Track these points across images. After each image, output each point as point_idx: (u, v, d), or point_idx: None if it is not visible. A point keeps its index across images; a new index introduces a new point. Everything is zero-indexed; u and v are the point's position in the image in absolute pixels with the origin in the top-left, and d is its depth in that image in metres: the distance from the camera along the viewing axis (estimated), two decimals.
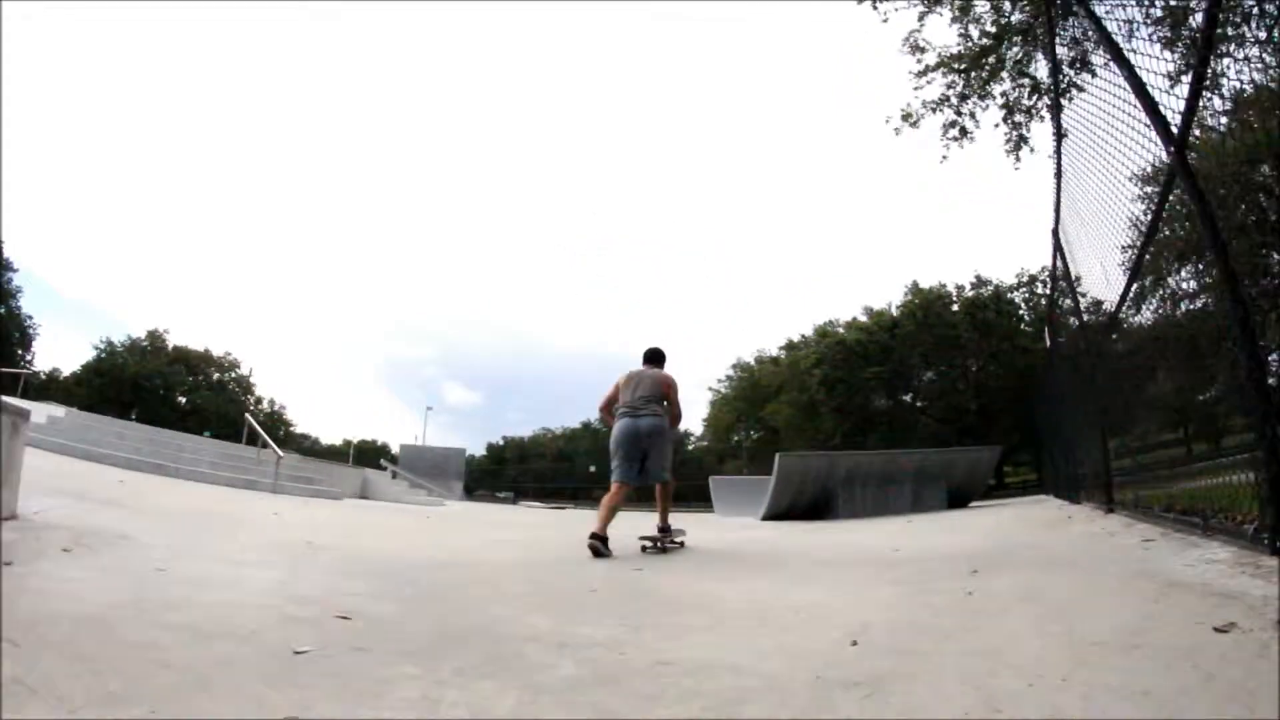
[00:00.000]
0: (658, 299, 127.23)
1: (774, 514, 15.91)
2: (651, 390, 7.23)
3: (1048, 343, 15.09)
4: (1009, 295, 42.15)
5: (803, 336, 52.79)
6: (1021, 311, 41.39)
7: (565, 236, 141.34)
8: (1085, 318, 8.81)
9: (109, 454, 11.87)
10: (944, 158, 15.03)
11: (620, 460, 7.09)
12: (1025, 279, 41.62)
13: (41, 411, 14.10)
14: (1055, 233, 10.52)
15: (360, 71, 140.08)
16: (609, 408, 7.41)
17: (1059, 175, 9.10)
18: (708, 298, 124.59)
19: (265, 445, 14.91)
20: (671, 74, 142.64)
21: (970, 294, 43.33)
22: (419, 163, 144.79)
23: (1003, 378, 39.21)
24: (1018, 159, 14.37)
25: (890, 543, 7.20)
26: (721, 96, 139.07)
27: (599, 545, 6.13)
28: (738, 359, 63.20)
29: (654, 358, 7.73)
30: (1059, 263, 10.83)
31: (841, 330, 47.30)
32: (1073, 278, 9.17)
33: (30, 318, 55.70)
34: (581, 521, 10.54)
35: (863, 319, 46.58)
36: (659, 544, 6.92)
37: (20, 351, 53.10)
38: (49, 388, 55.25)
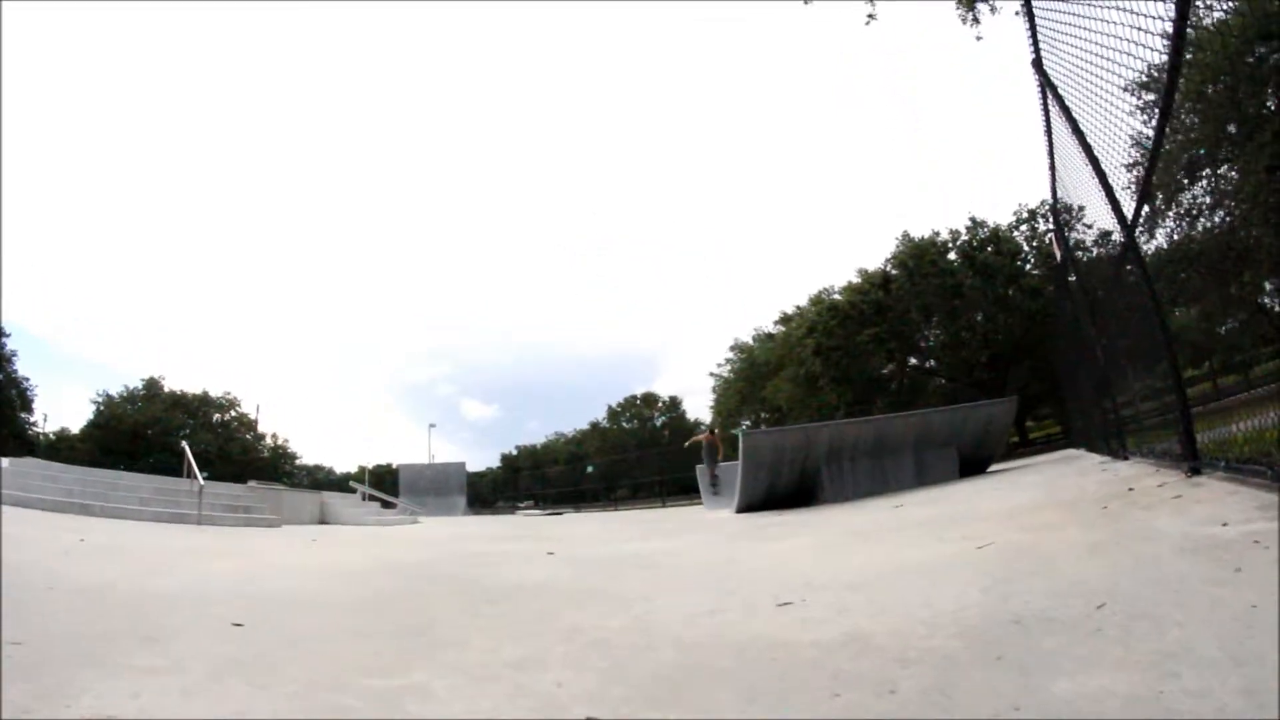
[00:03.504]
0: (657, 289, 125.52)
1: (749, 504, 13.88)
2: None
3: (1058, 265, 12.85)
4: (1009, 234, 39.09)
5: (797, 308, 49.93)
6: (1025, 251, 38.49)
7: (564, 238, 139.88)
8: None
9: (37, 498, 12.14)
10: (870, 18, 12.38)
11: None
12: (1024, 215, 38.58)
13: None
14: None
15: (355, 85, 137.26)
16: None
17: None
18: (706, 281, 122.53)
19: (193, 475, 14.88)
20: (649, 44, 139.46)
21: (966, 238, 40.21)
22: (416, 184, 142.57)
23: (1013, 325, 36.22)
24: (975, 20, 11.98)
25: (802, 575, 4.94)
26: (696, 63, 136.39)
27: None
28: (735, 339, 60.57)
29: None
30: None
31: (836, 295, 44.59)
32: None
33: (27, 379, 56.43)
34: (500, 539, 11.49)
35: (856, 280, 43.68)
36: None
37: (24, 414, 55.14)
38: (58, 446, 56.35)
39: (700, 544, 8.51)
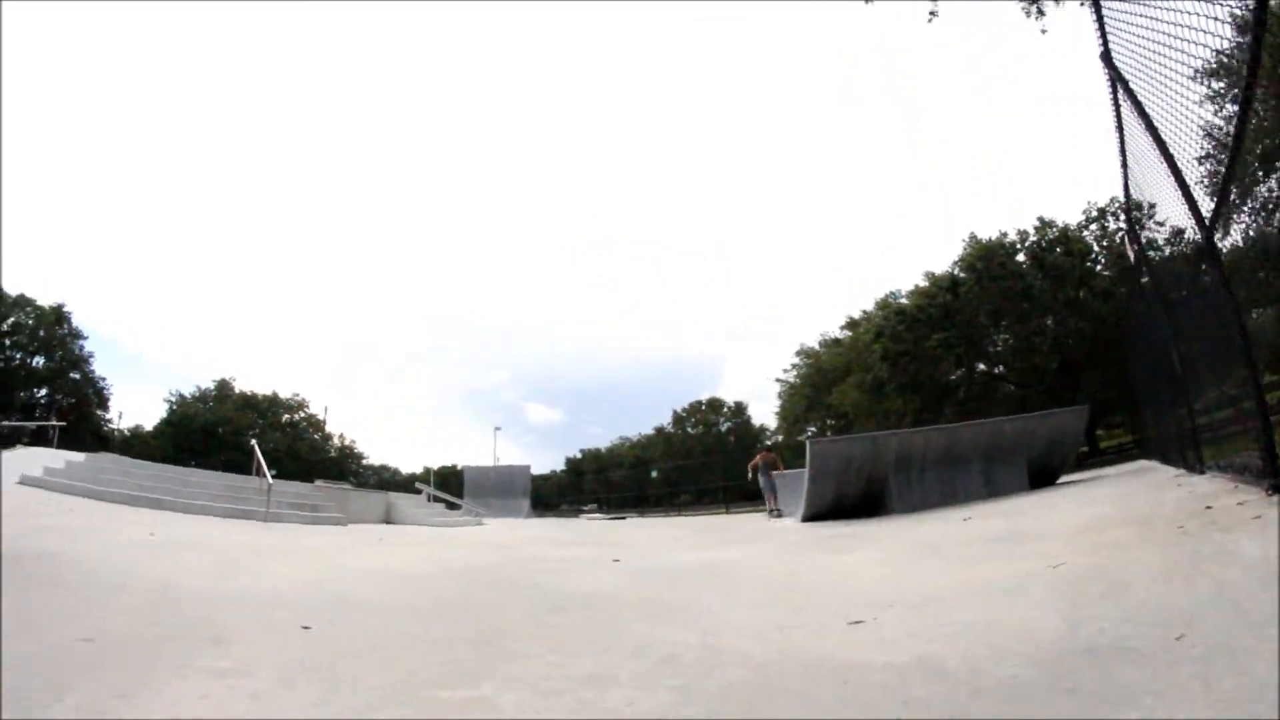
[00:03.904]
0: (723, 294, 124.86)
1: (815, 513, 13.70)
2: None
3: (1133, 262, 12.45)
4: (1079, 234, 38.04)
5: (864, 312, 49.59)
6: (1096, 252, 37.43)
7: (633, 243, 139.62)
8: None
9: (111, 491, 12.87)
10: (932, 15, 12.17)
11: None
12: (1094, 213, 37.37)
13: (60, 457, 16.30)
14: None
15: (410, 88, 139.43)
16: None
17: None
18: (772, 286, 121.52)
19: (261, 473, 15.31)
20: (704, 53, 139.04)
21: (1034, 238, 39.28)
22: (485, 189, 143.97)
23: (1084, 329, 35.27)
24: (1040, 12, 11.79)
25: (872, 591, 4.95)
26: (765, 63, 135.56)
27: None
28: (801, 345, 60.61)
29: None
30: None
31: (903, 300, 44.00)
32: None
33: (104, 379, 59.91)
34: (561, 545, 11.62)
35: (924, 284, 42.99)
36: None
37: (100, 412, 58.52)
38: (131, 443, 58.49)
39: (767, 554, 8.44)
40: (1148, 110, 6.60)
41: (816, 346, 58.29)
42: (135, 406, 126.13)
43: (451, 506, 26.41)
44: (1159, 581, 3.44)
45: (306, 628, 3.97)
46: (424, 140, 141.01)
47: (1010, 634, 3.03)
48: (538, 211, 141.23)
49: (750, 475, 20.74)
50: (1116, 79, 7.71)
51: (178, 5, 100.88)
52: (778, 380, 61.53)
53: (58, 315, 55.10)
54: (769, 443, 33.78)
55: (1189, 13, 4.00)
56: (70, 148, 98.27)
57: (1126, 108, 7.78)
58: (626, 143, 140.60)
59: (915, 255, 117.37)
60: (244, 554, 7.85)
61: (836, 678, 2.78)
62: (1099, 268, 36.83)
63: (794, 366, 60.27)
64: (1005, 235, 40.13)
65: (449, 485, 41.35)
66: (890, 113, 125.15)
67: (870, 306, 48.59)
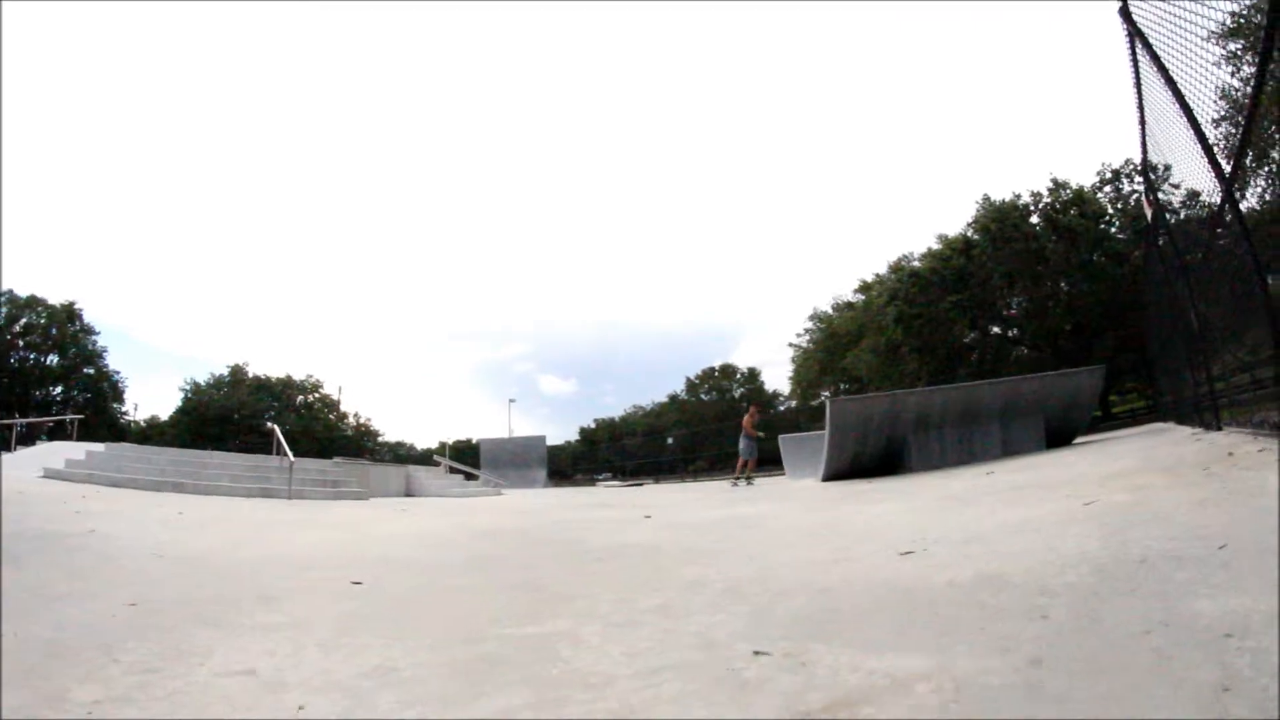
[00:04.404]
0: (734, 260, 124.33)
1: (836, 473, 13.91)
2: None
3: (1150, 224, 12.47)
4: (1093, 195, 37.82)
5: (876, 275, 49.25)
6: (1110, 214, 37.26)
7: (639, 209, 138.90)
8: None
9: (133, 478, 13.00)
10: None
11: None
12: (1108, 174, 37.16)
13: (79, 449, 16.26)
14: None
15: (426, 78, 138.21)
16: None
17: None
18: (784, 251, 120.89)
19: (283, 453, 15.46)
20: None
21: (1048, 200, 39.12)
22: (489, 159, 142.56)
23: (1098, 293, 35.20)
24: None
25: (913, 532, 4.94)
26: (775, 27, 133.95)
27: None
28: (814, 309, 60.12)
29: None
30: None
31: (916, 263, 43.89)
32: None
33: (118, 373, 60.33)
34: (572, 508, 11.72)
35: (936, 247, 42.87)
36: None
37: (115, 404, 59.21)
38: (149, 433, 59.51)
39: (797, 508, 8.50)
40: (1167, 65, 6.66)
41: (829, 310, 58.15)
42: (151, 397, 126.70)
43: (470, 478, 25.99)
44: (1194, 510, 3.60)
45: (357, 583, 3.97)
46: (430, 114, 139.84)
47: (1064, 554, 3.17)
48: (546, 182, 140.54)
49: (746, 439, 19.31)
50: (1135, 34, 7.65)
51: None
52: (790, 345, 60.92)
53: (69, 313, 55.97)
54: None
55: None
56: (69, 142, 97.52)
57: (1145, 63, 7.76)
58: (637, 110, 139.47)
59: (928, 217, 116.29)
60: (274, 526, 7.95)
61: (904, 595, 2.91)
62: (1114, 230, 36.71)
63: (807, 331, 59.70)
64: (1019, 197, 39.80)
65: (464, 458, 41.18)
66: (904, 73, 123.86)
67: (883, 270, 48.27)
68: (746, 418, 19.70)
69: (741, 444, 19.19)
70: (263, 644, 2.67)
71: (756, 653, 2.24)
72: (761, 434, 19.68)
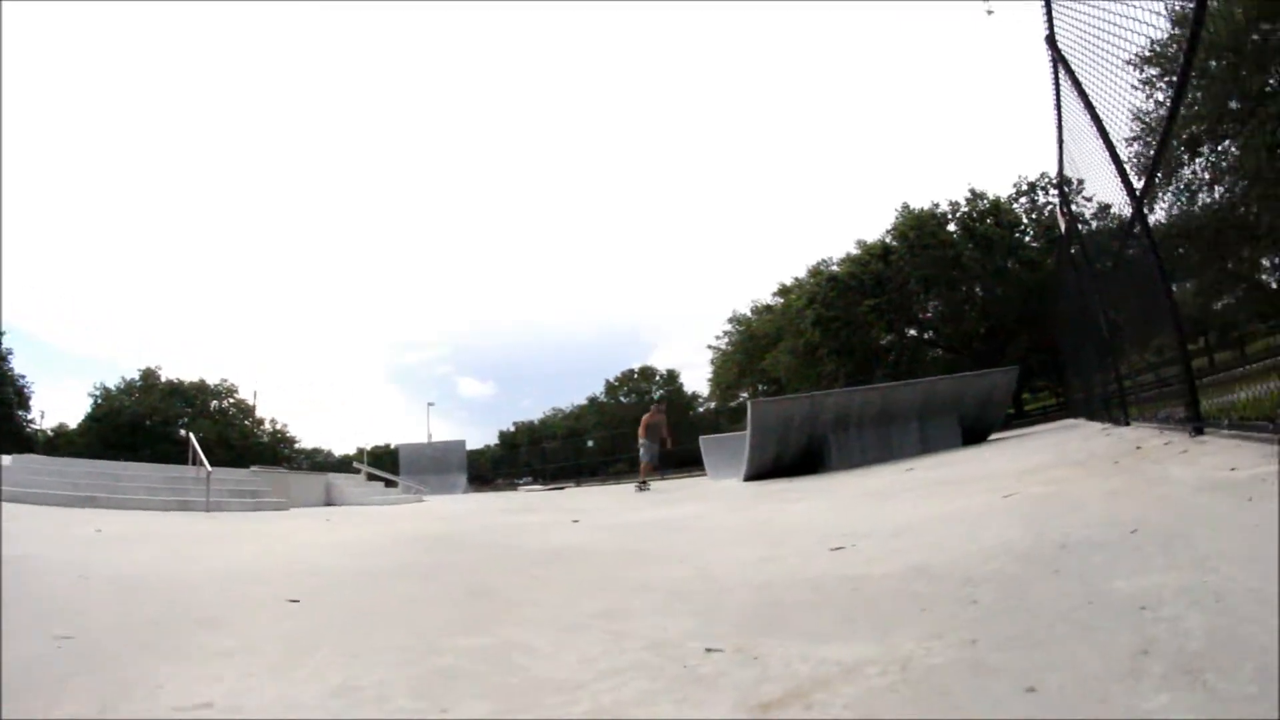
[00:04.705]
0: (652, 263, 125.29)
1: (758, 473, 14.17)
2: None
3: (1063, 234, 13.11)
4: (1009, 206, 39.39)
5: (795, 279, 50.49)
6: (1025, 223, 38.83)
7: (556, 214, 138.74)
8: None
9: (43, 494, 12.18)
10: None
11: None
12: (1024, 187, 39.11)
13: None
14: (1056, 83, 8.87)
15: (348, 79, 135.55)
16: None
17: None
18: (702, 255, 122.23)
19: (200, 463, 15.17)
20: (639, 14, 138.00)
21: (965, 209, 40.49)
22: (407, 166, 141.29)
23: (1012, 298, 36.66)
24: None
25: (841, 527, 5.08)
26: (691, 33, 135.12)
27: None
28: (733, 312, 61.73)
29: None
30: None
31: (835, 267, 44.90)
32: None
33: (24, 377, 57.86)
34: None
35: (855, 252, 43.93)
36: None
37: (21, 412, 56.50)
38: (56, 443, 58.16)
39: (722, 509, 8.64)
40: (1087, 91, 7.08)
41: (748, 314, 59.21)
42: (58, 404, 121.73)
43: (390, 484, 26.29)
44: (1106, 499, 3.86)
45: (294, 600, 3.85)
46: (354, 112, 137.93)
47: (988, 543, 3.36)
48: (462, 183, 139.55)
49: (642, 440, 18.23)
50: (1059, 60, 8.18)
51: None
52: (709, 347, 62.55)
53: None
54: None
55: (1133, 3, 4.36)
56: None
57: (1066, 87, 8.27)
58: (556, 112, 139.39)
59: (847, 224, 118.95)
60: (197, 542, 7.72)
61: (843, 586, 3.03)
62: (1027, 239, 38.19)
63: (725, 334, 61.37)
64: (937, 205, 41.40)
65: (383, 464, 40.87)
66: (829, 82, 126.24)
67: (802, 274, 49.54)
68: (646, 417, 18.77)
69: (644, 447, 18.18)
70: (213, 671, 2.55)
71: (709, 650, 2.31)
72: (664, 436, 18.61)
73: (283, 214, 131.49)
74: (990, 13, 12.52)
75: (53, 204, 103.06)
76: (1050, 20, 8.08)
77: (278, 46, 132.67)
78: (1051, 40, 8.24)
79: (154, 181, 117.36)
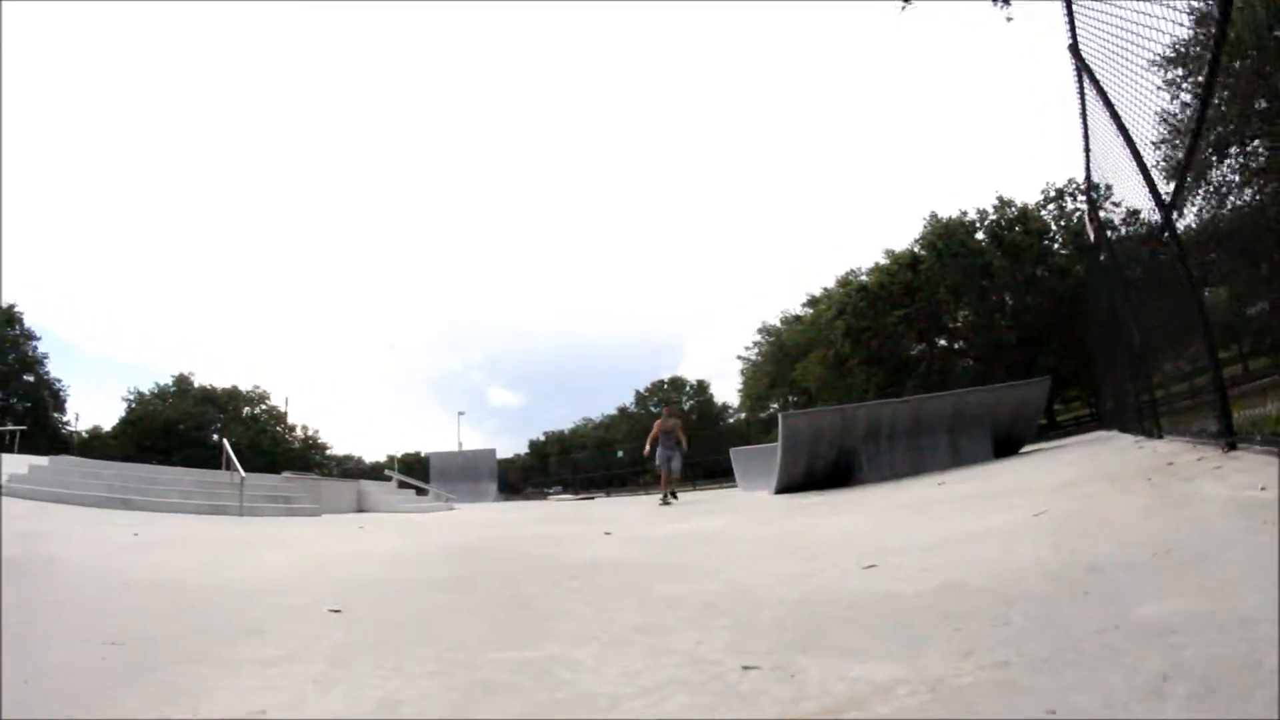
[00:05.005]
0: (684, 274, 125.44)
1: (788, 485, 14.01)
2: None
3: (1092, 243, 12.99)
4: (1037, 213, 39.10)
5: (824, 290, 50.24)
6: (1054, 230, 38.51)
7: (588, 224, 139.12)
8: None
9: (80, 495, 12.44)
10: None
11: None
12: (1052, 194, 38.69)
13: (22, 462, 15.65)
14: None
15: (363, 86, 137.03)
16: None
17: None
18: (733, 266, 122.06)
19: (233, 468, 15.17)
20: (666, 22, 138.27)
21: (994, 217, 40.23)
22: (439, 175, 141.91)
23: (1042, 306, 36.31)
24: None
25: (873, 542, 5.11)
26: (719, 42, 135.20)
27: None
28: (763, 323, 61.56)
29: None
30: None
31: (864, 278, 44.74)
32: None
33: (59, 380, 58.84)
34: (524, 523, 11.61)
35: (884, 262, 43.75)
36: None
37: (56, 414, 57.90)
38: (91, 445, 57.99)
39: (754, 521, 8.67)
40: (1111, 98, 7.08)
41: (778, 324, 59.04)
42: (92, 408, 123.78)
43: (420, 492, 26.06)
44: (1137, 519, 3.86)
45: (336, 611, 3.90)
46: (379, 120, 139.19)
47: (1019, 563, 3.40)
48: (492, 194, 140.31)
49: (648, 449, 16.55)
50: (1083, 69, 8.17)
51: None
52: (739, 358, 62.43)
53: (9, 317, 54.10)
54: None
55: (1154, 1, 4.35)
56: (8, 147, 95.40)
57: (1091, 95, 8.26)
58: (584, 124, 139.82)
59: (876, 234, 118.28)
60: (235, 547, 7.80)
61: (877, 605, 3.08)
62: (1056, 246, 37.86)
63: (755, 344, 61.15)
64: (965, 214, 41.08)
65: (413, 472, 41.05)
66: (853, 93, 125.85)
67: (831, 284, 49.25)
68: (657, 423, 16.66)
69: (660, 454, 16.20)
70: (262, 681, 2.60)
71: (746, 667, 2.36)
72: (680, 438, 16.35)
73: (319, 223, 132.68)
74: (1009, 20, 12.51)
75: (89, 213, 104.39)
76: (1073, 28, 8.07)
77: (317, 52, 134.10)
78: (1075, 49, 8.22)
79: (193, 189, 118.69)
